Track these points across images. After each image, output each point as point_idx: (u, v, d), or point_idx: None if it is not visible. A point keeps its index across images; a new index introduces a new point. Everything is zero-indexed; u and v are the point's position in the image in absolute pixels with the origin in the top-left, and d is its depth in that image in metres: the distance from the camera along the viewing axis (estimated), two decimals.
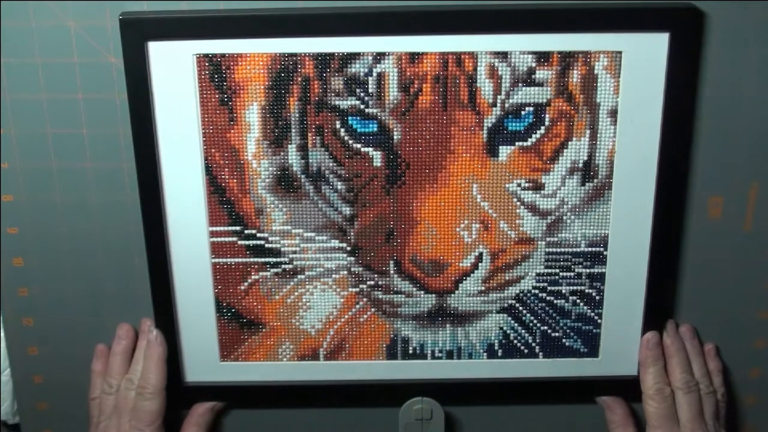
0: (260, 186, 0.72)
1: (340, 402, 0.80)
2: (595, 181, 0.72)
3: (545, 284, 0.75)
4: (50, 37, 0.68)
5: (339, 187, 0.72)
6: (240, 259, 0.74)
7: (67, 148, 0.72)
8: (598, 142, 0.70)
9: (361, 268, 0.74)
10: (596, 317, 0.76)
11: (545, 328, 0.76)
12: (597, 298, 0.75)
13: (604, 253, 0.74)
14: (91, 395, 0.77)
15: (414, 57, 0.68)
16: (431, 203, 0.72)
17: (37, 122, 0.71)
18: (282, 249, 0.74)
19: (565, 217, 0.73)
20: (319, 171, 0.71)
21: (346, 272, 0.75)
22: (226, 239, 0.73)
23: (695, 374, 0.75)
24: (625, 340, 0.76)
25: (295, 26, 0.66)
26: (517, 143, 0.70)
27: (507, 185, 0.72)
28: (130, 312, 0.77)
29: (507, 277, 0.74)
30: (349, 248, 0.74)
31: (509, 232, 0.73)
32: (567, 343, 0.77)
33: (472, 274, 0.74)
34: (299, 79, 0.68)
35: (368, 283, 0.75)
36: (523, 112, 0.69)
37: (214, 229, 0.73)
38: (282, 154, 0.71)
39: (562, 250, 0.74)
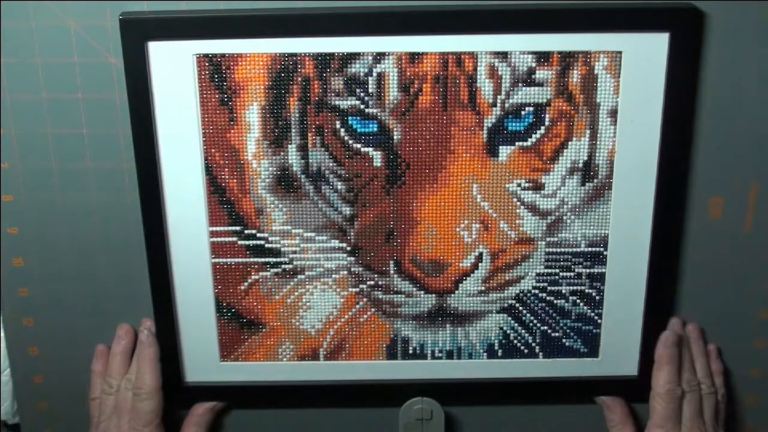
0: (260, 186, 0.72)
1: (340, 402, 0.80)
2: (595, 181, 0.72)
3: (545, 284, 0.75)
4: (50, 37, 0.68)
5: (339, 187, 0.72)
6: (240, 259, 0.74)
7: (67, 148, 0.72)
8: (598, 142, 0.70)
9: (361, 268, 0.74)
10: (596, 317, 0.76)
11: (545, 328, 0.76)
12: (597, 298, 0.75)
13: (604, 253, 0.74)
14: (91, 395, 0.77)
15: (414, 57, 0.68)
16: (431, 203, 0.72)
17: (37, 122, 0.71)
18: (282, 249, 0.74)
19: (565, 217, 0.73)
20: (319, 171, 0.71)
21: (346, 272, 0.75)
22: (226, 239, 0.73)
23: (698, 374, 0.75)
24: (625, 341, 0.76)
25: (295, 26, 0.66)
26: (517, 143, 0.70)
27: (507, 185, 0.71)
28: (130, 312, 0.77)
29: (507, 277, 0.74)
30: (349, 248, 0.74)
31: (509, 232, 0.73)
32: (567, 343, 0.77)
33: (472, 274, 0.74)
34: (299, 79, 0.68)
35: (368, 283, 0.75)
36: (523, 112, 0.69)
37: (214, 229, 0.73)
38: (282, 154, 0.71)
39: (562, 250, 0.74)
